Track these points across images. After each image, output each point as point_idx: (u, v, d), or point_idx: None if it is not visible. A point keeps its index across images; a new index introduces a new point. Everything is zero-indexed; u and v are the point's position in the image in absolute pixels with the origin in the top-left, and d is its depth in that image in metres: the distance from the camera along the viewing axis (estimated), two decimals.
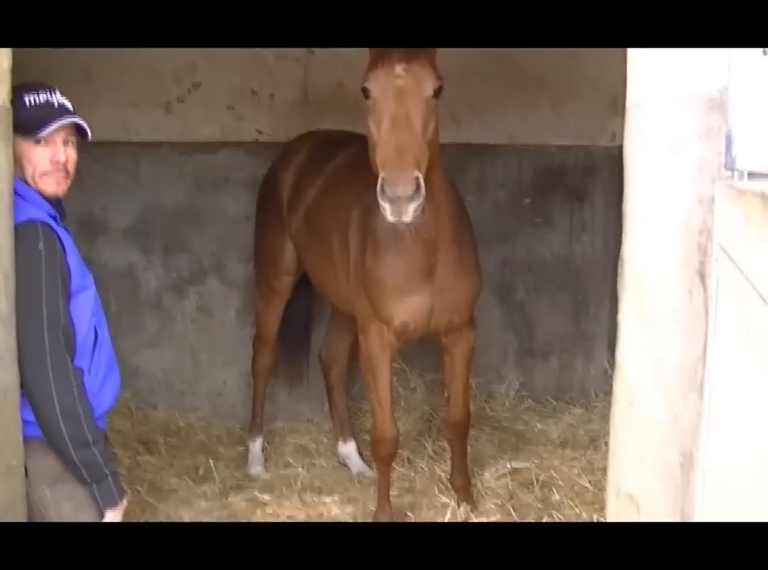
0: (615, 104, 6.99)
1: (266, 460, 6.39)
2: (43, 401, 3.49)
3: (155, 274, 7.07)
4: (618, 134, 7.05)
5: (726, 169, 2.35)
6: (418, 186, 3.99)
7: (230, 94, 6.95)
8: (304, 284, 6.17)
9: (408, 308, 4.92)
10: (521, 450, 6.37)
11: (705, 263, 2.53)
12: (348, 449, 6.40)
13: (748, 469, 2.05)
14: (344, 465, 6.35)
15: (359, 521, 5.41)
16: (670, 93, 2.67)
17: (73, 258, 3.63)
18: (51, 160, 3.68)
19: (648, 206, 2.75)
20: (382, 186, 3.98)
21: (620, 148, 7.02)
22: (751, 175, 2.20)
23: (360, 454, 6.36)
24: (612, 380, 7.12)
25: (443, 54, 4.44)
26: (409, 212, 4.01)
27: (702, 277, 2.55)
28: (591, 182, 7.11)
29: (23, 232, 3.45)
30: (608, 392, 6.90)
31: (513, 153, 7.06)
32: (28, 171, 3.65)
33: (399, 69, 4.20)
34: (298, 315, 6.55)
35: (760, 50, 2.24)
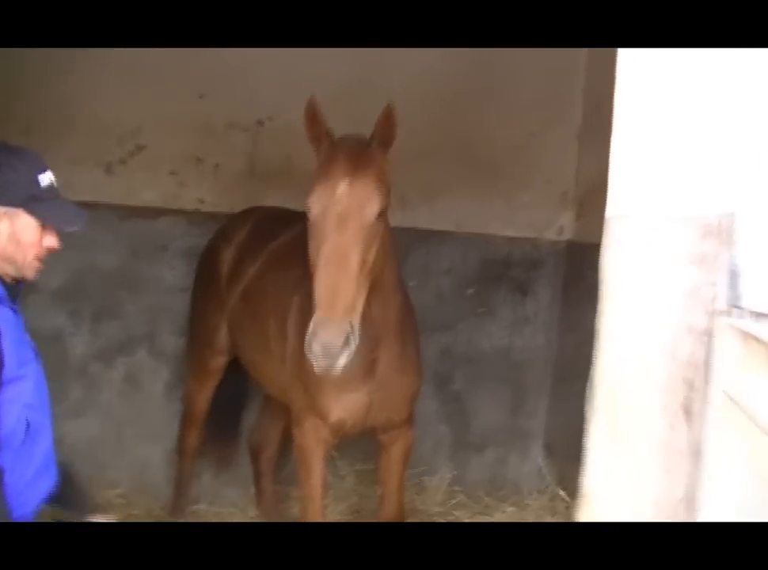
0: (565, 199, 6.93)
1: None
2: None
3: (82, 340, 6.78)
4: (566, 228, 6.99)
5: (728, 304, 2.18)
6: (349, 335, 3.70)
7: (174, 160, 6.77)
8: (238, 362, 5.90)
9: (345, 404, 4.63)
10: None
11: (693, 398, 2.35)
12: None
13: None
14: None
15: None
16: (658, 209, 2.45)
17: (10, 344, 3.29)
18: (48, 247, 3.48)
19: (628, 328, 2.55)
20: (314, 328, 3.68)
21: (567, 242, 7.00)
22: (754, 315, 2.04)
23: None
24: (546, 479, 6.99)
25: (399, 133, 4.18)
26: (339, 364, 3.70)
27: (688, 413, 2.36)
28: (536, 275, 6.98)
29: None
30: (541, 491, 6.80)
31: (459, 241, 6.92)
32: (29, 253, 3.41)
33: (342, 188, 3.88)
34: (230, 395, 6.28)
35: None
